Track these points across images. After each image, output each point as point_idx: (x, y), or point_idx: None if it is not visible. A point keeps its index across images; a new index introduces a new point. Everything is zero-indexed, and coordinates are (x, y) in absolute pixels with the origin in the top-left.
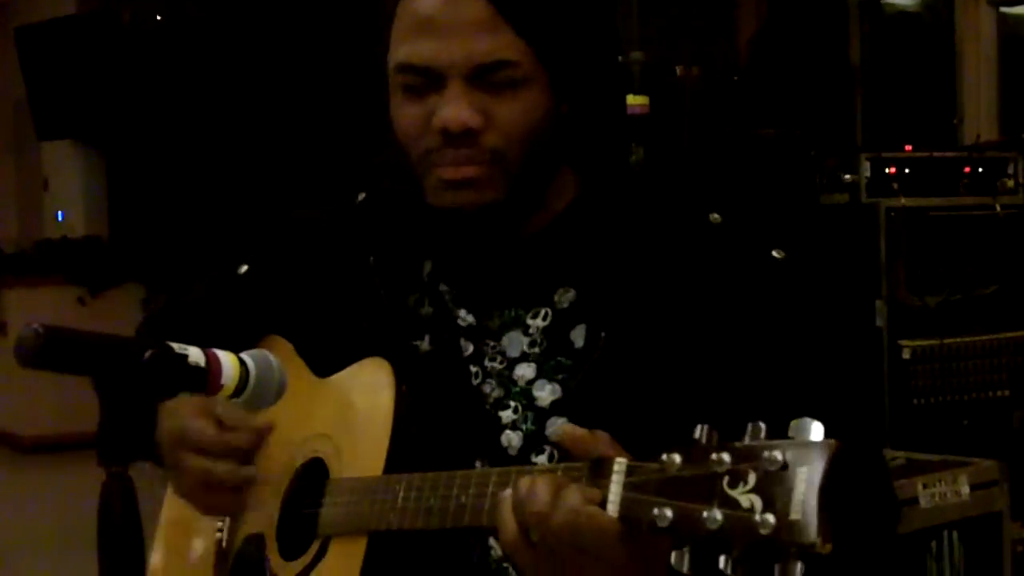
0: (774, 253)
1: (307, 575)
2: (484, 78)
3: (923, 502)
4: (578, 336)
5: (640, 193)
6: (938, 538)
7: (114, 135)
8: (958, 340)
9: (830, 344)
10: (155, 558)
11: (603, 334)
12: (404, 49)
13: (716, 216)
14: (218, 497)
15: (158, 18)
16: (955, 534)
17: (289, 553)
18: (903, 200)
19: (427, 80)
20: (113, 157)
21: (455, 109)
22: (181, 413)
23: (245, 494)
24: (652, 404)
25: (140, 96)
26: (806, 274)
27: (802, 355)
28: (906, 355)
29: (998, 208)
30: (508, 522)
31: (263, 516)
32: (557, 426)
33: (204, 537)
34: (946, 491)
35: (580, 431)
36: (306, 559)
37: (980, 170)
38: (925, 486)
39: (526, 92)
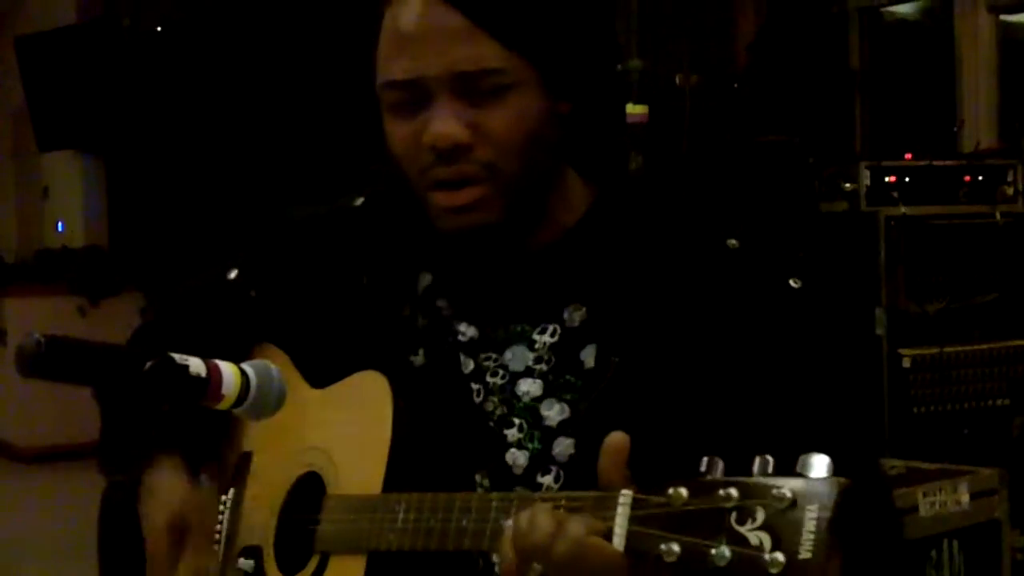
0: (791, 282)
1: None
2: (470, 88)
3: (923, 510)
4: (588, 356)
5: (654, 208)
6: (938, 546)
7: (114, 144)
8: (958, 348)
9: (842, 377)
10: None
11: (615, 359)
12: (387, 67)
13: (734, 242)
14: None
15: (158, 28)
16: (955, 542)
17: (287, 567)
18: (903, 208)
19: (413, 96)
20: (113, 167)
21: (443, 124)
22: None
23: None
24: (661, 430)
25: (140, 106)
26: (822, 305)
27: (814, 387)
28: (906, 363)
29: (998, 216)
30: (507, 553)
31: (260, 528)
32: (613, 434)
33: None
34: (946, 499)
35: (624, 455)
36: (305, 574)
37: (980, 178)
38: (925, 495)
39: (516, 97)
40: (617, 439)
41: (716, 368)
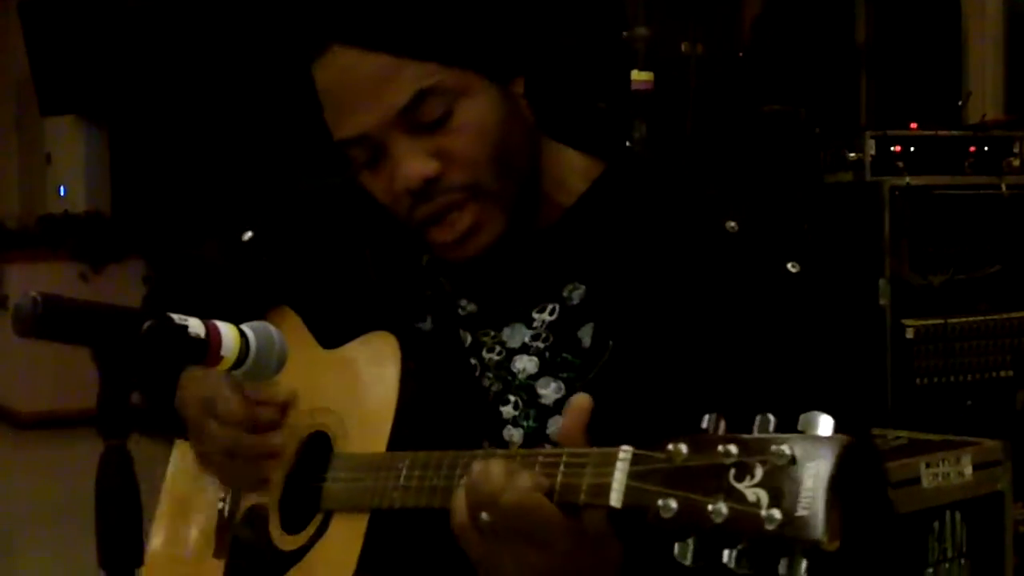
0: (789, 267)
1: (309, 549)
2: (416, 121)
3: (925, 482)
4: (586, 335)
5: (656, 187)
6: (940, 518)
7: (117, 110)
8: (962, 320)
9: (840, 360)
10: (156, 528)
11: (611, 342)
12: (334, 127)
13: (733, 224)
14: (240, 468)
15: None
16: (957, 514)
17: (291, 526)
18: (908, 179)
19: (369, 148)
20: (116, 132)
21: (405, 167)
22: (208, 382)
23: (263, 466)
24: (658, 411)
25: (143, 71)
26: (820, 288)
27: (810, 371)
28: (909, 334)
29: (1003, 187)
30: (459, 504)
31: (266, 488)
32: (577, 395)
33: (206, 507)
34: (949, 471)
35: (585, 415)
36: (308, 533)
37: (985, 149)
38: (928, 466)
39: (465, 107)
40: (581, 400)
41: (713, 351)
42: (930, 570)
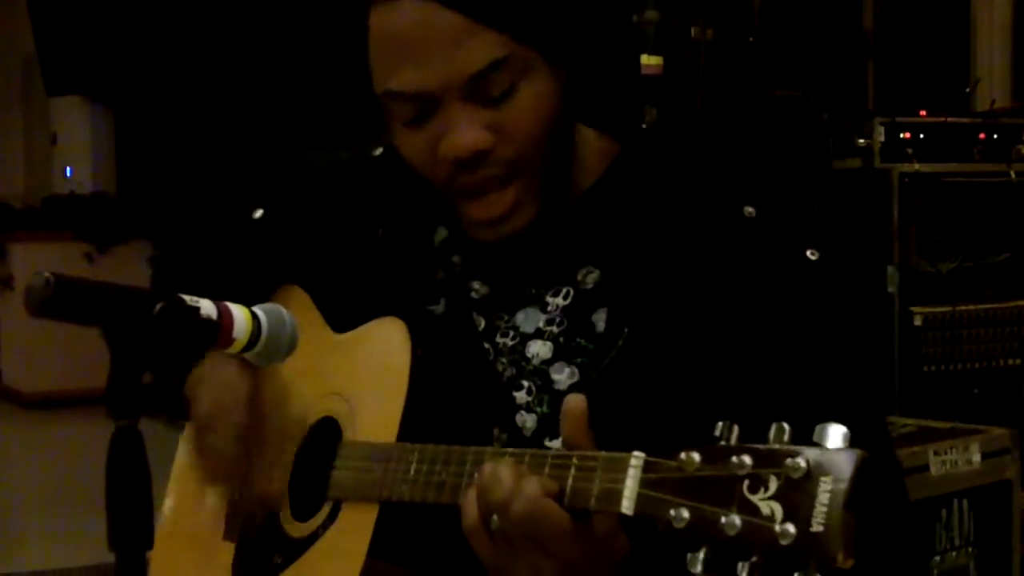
0: (808, 254)
1: (318, 537)
2: (480, 89)
3: (933, 470)
4: (599, 320)
5: (672, 170)
6: (948, 506)
7: (123, 91)
8: (970, 307)
9: (857, 348)
10: (167, 506)
11: (625, 328)
12: (387, 76)
13: (751, 210)
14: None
15: None
16: (965, 502)
17: (301, 513)
18: (917, 165)
19: (421, 106)
20: (122, 113)
21: (461, 135)
22: (227, 384)
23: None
24: (672, 398)
25: (149, 52)
26: (839, 276)
27: (829, 358)
28: (917, 322)
29: (1012, 175)
30: (470, 507)
31: (276, 473)
32: (572, 396)
33: (217, 488)
34: (957, 459)
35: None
36: (318, 520)
37: (995, 136)
38: (936, 454)
39: (529, 84)
40: (574, 403)
41: (729, 338)
42: (937, 558)
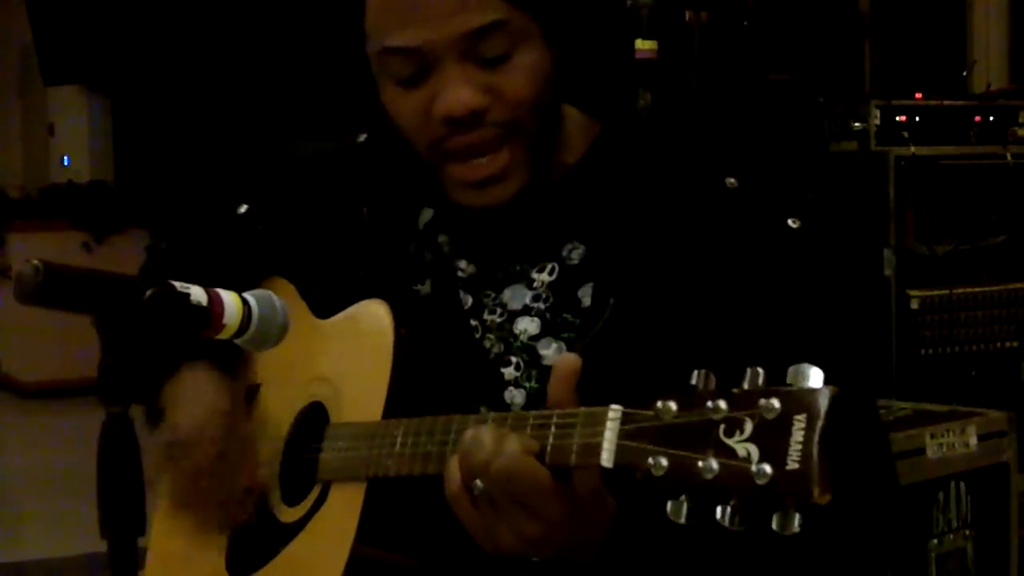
0: (790, 222)
1: (309, 520)
2: (476, 50)
3: (930, 453)
4: (585, 294)
5: (656, 146)
6: (945, 489)
7: (120, 80)
8: (967, 290)
9: (840, 316)
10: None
11: (612, 300)
12: (382, 32)
13: (732, 181)
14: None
15: None
16: (962, 485)
17: (291, 498)
18: (913, 148)
19: (416, 63)
20: (119, 102)
21: (456, 93)
22: (204, 401)
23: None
24: (658, 368)
25: (146, 41)
26: (821, 244)
27: (810, 322)
28: (914, 305)
29: (1008, 157)
30: (452, 473)
31: (267, 461)
32: (567, 355)
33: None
34: (954, 442)
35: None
36: (307, 504)
37: (991, 119)
38: (932, 436)
39: (524, 52)
40: (569, 361)
41: (713, 308)
42: (934, 541)
